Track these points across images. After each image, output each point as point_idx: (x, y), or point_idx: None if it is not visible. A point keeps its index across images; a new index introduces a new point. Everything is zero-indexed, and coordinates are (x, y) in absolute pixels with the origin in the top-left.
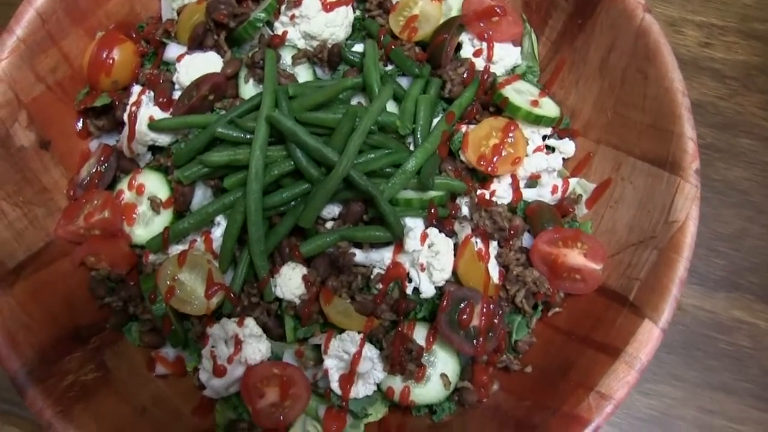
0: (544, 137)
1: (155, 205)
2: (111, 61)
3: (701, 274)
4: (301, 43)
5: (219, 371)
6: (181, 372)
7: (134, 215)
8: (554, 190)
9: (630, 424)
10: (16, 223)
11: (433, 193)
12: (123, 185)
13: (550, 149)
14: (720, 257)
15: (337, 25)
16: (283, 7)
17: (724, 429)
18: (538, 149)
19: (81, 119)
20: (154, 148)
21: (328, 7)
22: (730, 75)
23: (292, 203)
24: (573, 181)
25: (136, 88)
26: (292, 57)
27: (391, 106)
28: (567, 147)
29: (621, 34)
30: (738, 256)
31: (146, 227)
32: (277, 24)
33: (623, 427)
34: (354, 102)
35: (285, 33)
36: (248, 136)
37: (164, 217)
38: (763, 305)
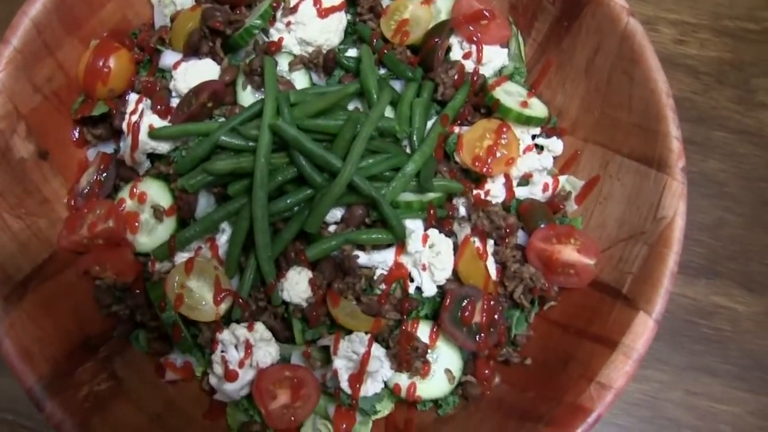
0: (533, 136)
1: (158, 214)
2: (107, 70)
3: (682, 263)
4: (297, 49)
5: (231, 376)
6: (189, 377)
7: (137, 224)
8: (545, 188)
9: (621, 408)
10: (20, 235)
11: (432, 195)
12: (124, 194)
13: (540, 148)
14: (699, 246)
15: (331, 30)
16: (278, 14)
17: (708, 409)
18: (528, 148)
19: (77, 128)
20: (152, 156)
21: (323, 13)
22: (703, 71)
23: (296, 209)
24: (562, 178)
25: (133, 97)
26: (289, 63)
27: (387, 110)
28: (555, 145)
29: (606, 37)
30: (717, 245)
31: (149, 235)
32: (272, 30)
33: (614, 411)
34: (351, 107)
35: (281, 39)
36: (251, 144)
37: (167, 225)
38: (741, 290)
